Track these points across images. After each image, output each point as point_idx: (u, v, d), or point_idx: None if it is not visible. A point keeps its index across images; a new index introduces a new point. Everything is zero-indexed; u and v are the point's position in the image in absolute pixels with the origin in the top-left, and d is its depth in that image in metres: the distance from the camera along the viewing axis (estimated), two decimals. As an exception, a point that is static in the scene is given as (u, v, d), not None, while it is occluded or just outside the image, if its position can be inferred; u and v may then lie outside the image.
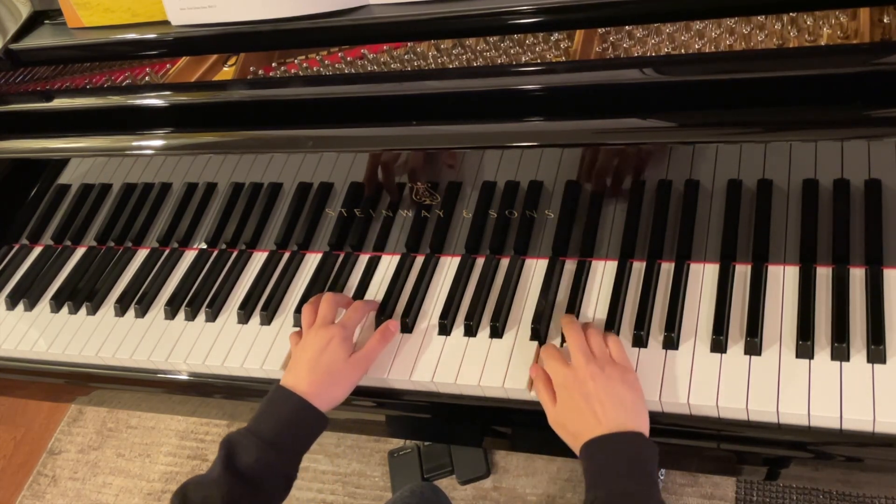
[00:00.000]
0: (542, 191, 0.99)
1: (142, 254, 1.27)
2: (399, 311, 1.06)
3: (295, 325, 1.09)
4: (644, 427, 0.84)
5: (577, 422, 0.85)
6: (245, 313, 1.12)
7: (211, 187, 1.17)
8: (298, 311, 1.09)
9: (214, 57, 1.09)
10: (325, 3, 1.00)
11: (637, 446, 0.81)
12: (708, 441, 0.89)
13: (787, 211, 0.91)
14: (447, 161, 1.00)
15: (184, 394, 1.14)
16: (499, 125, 0.92)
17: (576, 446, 0.84)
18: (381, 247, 1.14)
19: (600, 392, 0.84)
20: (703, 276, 0.98)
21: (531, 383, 0.93)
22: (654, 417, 0.90)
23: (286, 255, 1.18)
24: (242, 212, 1.18)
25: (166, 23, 1.07)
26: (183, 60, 1.10)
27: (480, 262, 1.09)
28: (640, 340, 0.93)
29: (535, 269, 1.05)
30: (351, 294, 1.10)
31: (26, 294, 1.26)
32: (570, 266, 1.04)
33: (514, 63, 0.92)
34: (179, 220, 1.22)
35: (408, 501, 1.12)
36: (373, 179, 1.05)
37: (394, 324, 1.02)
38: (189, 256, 1.24)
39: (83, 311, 1.21)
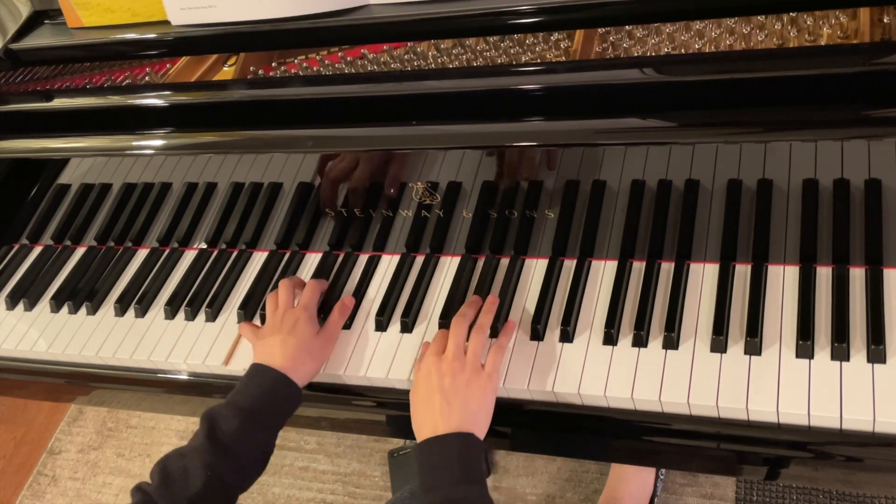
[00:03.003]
0: (542, 191, 1.00)
1: (142, 254, 1.27)
2: (399, 311, 1.06)
3: (295, 325, 1.09)
4: (479, 432, 0.89)
5: (424, 412, 0.90)
6: (245, 313, 1.12)
7: (211, 187, 1.17)
8: (298, 310, 1.09)
9: (214, 57, 1.09)
10: (325, 3, 1.00)
11: (467, 445, 0.87)
12: (708, 441, 0.89)
13: (787, 211, 0.91)
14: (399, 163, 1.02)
15: (184, 394, 1.14)
16: (499, 125, 0.92)
17: (418, 438, 0.90)
18: (381, 247, 1.14)
19: (452, 392, 0.90)
20: (703, 276, 0.98)
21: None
22: (655, 417, 0.90)
23: (286, 255, 1.18)
24: (242, 212, 1.18)
25: (166, 23, 1.07)
26: (183, 60, 1.10)
27: (480, 262, 1.09)
28: (639, 340, 0.93)
29: (535, 269, 1.05)
30: (350, 294, 1.10)
31: (26, 294, 1.26)
32: (569, 266, 1.04)
33: (514, 63, 0.92)
34: (179, 220, 1.22)
35: (407, 502, 1.12)
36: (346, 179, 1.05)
37: (349, 299, 1.08)
38: (189, 256, 1.24)
39: (83, 310, 1.21)
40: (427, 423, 0.89)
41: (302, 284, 1.10)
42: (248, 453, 0.91)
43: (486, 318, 0.98)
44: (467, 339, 0.96)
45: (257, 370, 0.97)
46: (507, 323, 0.99)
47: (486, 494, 0.85)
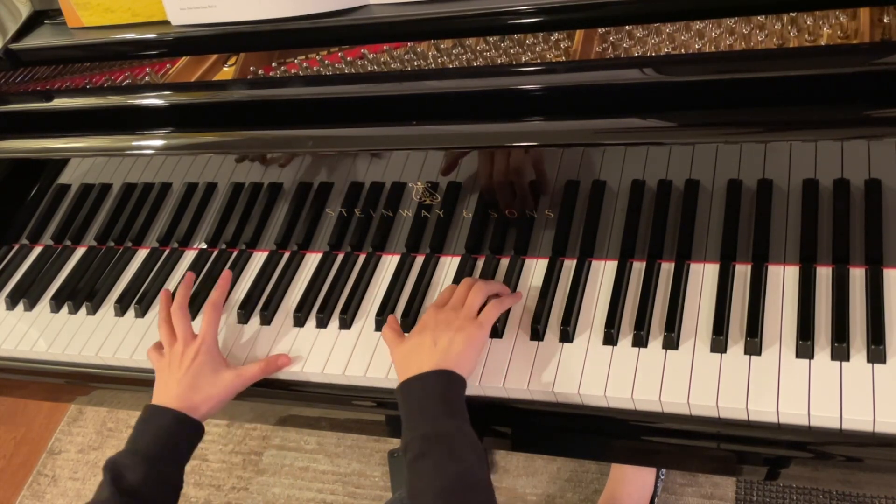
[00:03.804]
0: (542, 191, 0.99)
1: (142, 254, 1.27)
2: (399, 311, 1.06)
3: (295, 325, 1.09)
4: (462, 373, 0.91)
5: (412, 355, 0.93)
6: (245, 313, 1.12)
7: (211, 187, 1.17)
8: (299, 310, 1.09)
9: (214, 57, 1.09)
10: (325, 3, 1.00)
11: (448, 381, 0.89)
12: (708, 441, 0.89)
13: (787, 211, 0.91)
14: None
15: (184, 394, 1.14)
16: (499, 125, 0.92)
17: (401, 379, 0.92)
18: (381, 247, 1.14)
19: (441, 334, 0.93)
20: (703, 276, 0.98)
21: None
22: (655, 417, 0.90)
23: (286, 255, 1.18)
24: (242, 212, 1.18)
25: (166, 23, 1.07)
26: (183, 60, 1.10)
27: (480, 262, 1.09)
28: (640, 340, 0.93)
29: (535, 269, 1.05)
30: (347, 292, 1.10)
31: (26, 294, 1.26)
32: (569, 266, 1.04)
33: (514, 63, 0.92)
34: (179, 220, 1.22)
35: (407, 502, 1.11)
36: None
37: (284, 359, 1.04)
38: (189, 256, 1.24)
39: (83, 310, 1.21)
40: (413, 364, 0.91)
41: (190, 285, 1.11)
42: (157, 494, 0.91)
43: (496, 285, 1.00)
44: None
45: (154, 412, 0.97)
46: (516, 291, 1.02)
47: (469, 430, 0.86)
